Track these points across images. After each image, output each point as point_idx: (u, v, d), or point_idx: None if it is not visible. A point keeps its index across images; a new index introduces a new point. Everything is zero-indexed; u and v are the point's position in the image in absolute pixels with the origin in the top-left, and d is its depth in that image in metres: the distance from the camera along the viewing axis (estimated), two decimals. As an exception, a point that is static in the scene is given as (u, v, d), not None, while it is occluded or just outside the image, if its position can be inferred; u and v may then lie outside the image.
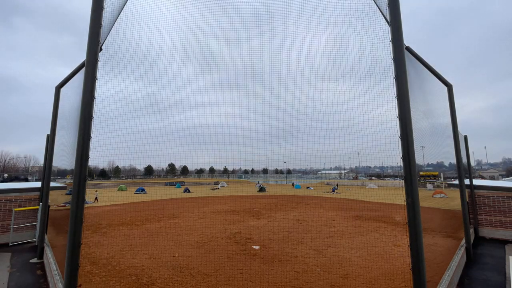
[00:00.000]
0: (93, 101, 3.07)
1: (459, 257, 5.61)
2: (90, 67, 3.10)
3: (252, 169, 77.31)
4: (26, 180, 52.20)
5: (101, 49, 3.51)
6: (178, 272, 6.22)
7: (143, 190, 34.29)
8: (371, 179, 67.92)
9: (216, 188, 41.91)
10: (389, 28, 3.34)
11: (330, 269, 6.43)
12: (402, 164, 3.04)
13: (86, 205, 3.21)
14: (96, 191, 27.56)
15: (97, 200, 23.79)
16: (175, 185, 48.24)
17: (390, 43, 3.28)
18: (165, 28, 5.44)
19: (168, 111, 5.36)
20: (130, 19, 4.71)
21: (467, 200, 7.55)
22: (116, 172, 78.72)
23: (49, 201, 7.08)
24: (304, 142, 4.80)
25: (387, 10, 3.40)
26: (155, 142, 4.86)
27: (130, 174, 79.39)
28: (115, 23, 4.48)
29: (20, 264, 6.32)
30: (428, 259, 3.17)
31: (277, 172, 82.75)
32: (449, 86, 6.88)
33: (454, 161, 6.85)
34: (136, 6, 4.88)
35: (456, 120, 6.83)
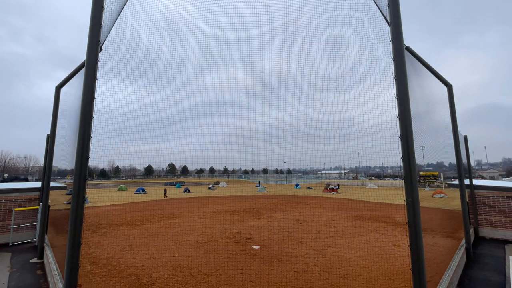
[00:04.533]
0: (93, 101, 3.07)
1: (459, 257, 5.61)
2: (90, 67, 3.11)
3: (252, 169, 77.35)
4: (26, 180, 52.19)
5: (101, 49, 3.51)
6: (178, 272, 6.22)
7: (143, 190, 34.26)
8: (371, 179, 67.88)
9: (214, 188, 41.78)
10: (389, 28, 3.34)
11: (330, 269, 6.42)
12: (402, 164, 3.04)
13: (86, 205, 3.21)
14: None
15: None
16: (175, 185, 48.18)
17: (390, 43, 3.28)
18: (165, 28, 5.44)
19: (167, 111, 5.35)
20: (130, 18, 4.72)
21: (467, 200, 7.55)
22: (116, 172, 78.69)
23: (49, 201, 7.08)
24: (304, 142, 4.81)
25: (387, 10, 3.40)
26: (155, 142, 4.86)
27: (130, 174, 79.34)
28: (115, 23, 4.48)
29: (20, 264, 6.32)
30: (428, 259, 3.17)
31: (277, 172, 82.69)
32: (449, 86, 6.88)
33: (454, 161, 6.86)
34: (136, 6, 4.88)
35: (456, 120, 6.83)
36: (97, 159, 3.39)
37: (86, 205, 3.18)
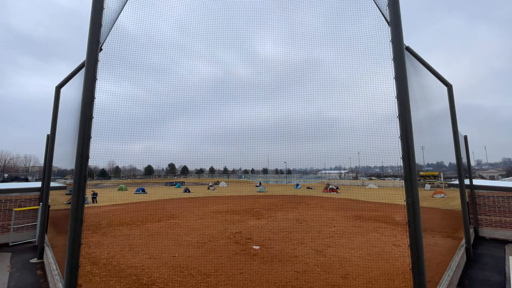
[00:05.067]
0: (93, 101, 3.07)
1: (459, 257, 5.61)
2: (90, 67, 3.11)
3: (252, 169, 77.45)
4: (26, 180, 52.19)
5: (101, 49, 3.51)
6: (178, 272, 6.22)
7: (143, 190, 34.26)
8: (371, 179, 67.87)
9: (214, 188, 41.75)
10: (389, 28, 3.35)
11: (330, 269, 6.42)
12: (402, 164, 3.04)
13: (85, 205, 3.21)
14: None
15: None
16: (175, 185, 48.18)
17: (390, 43, 3.28)
18: (165, 28, 5.45)
19: (167, 110, 5.35)
20: (131, 18, 4.72)
21: (467, 200, 7.56)
22: (116, 172, 78.68)
23: (49, 201, 7.09)
24: (304, 142, 4.80)
25: (387, 10, 3.40)
26: (155, 141, 4.86)
27: (130, 174, 79.29)
28: (115, 23, 4.48)
29: (20, 264, 6.32)
30: (428, 259, 3.17)
31: (277, 172, 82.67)
32: (449, 86, 6.88)
33: (454, 161, 6.86)
34: (136, 6, 4.88)
35: (456, 120, 6.84)
36: (97, 159, 3.39)
37: (86, 205, 3.18)
